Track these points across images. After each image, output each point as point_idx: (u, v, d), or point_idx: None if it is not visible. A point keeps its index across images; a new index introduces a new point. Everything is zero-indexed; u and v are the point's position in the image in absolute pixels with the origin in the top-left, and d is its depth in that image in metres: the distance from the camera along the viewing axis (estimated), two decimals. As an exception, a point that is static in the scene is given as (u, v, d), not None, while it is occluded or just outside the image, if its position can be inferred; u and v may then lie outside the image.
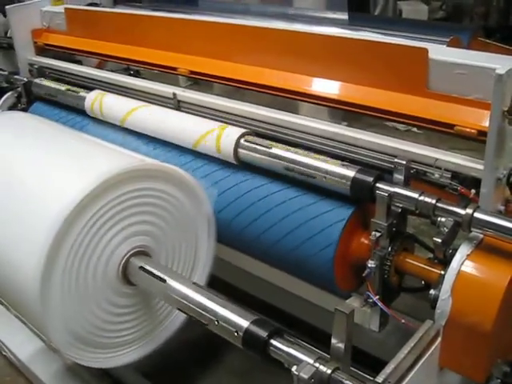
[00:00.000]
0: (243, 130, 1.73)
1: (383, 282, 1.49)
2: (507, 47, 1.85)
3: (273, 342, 1.21)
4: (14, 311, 1.64)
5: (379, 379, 1.23)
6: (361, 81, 1.61)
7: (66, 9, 2.56)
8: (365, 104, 1.59)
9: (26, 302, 1.44)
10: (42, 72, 2.65)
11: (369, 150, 1.56)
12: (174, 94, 2.02)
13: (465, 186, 1.43)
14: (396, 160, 1.47)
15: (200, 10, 2.75)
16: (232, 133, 1.72)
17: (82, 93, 2.25)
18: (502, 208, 1.43)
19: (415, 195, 1.38)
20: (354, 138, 1.59)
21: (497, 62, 1.41)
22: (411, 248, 1.55)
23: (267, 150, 1.64)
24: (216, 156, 1.76)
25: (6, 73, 2.74)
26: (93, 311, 1.50)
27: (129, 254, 1.51)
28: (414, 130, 3.23)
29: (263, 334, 1.21)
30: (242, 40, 1.92)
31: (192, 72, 2.02)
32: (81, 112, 2.28)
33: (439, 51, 1.53)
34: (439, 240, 1.36)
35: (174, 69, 2.07)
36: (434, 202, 1.36)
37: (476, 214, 1.30)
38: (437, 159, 1.44)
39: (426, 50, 1.50)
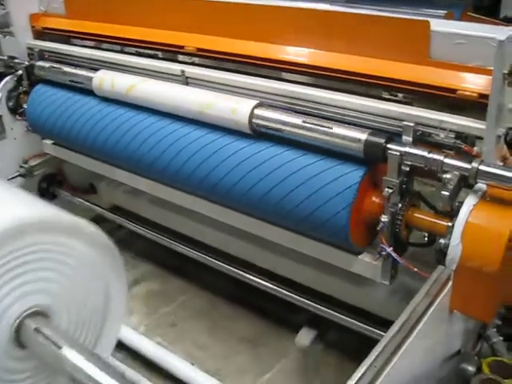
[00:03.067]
0: (256, 102, 1.83)
1: (394, 235, 1.63)
2: (495, 20, 2.00)
3: None
4: None
5: (395, 327, 1.34)
6: (368, 53, 1.74)
7: (65, -8, 2.62)
8: (373, 74, 1.71)
9: None
10: (42, 55, 2.70)
11: (378, 115, 1.68)
12: (182, 71, 2.11)
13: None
14: (404, 123, 1.60)
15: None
16: (246, 104, 1.83)
17: (90, 73, 2.32)
18: (500, 164, 1.57)
19: (424, 153, 1.52)
20: (363, 105, 1.71)
21: (492, 31, 1.55)
22: (418, 204, 1.68)
23: (281, 118, 1.76)
24: (231, 127, 1.87)
25: (5, 57, 2.79)
26: None
27: (23, 315, 1.36)
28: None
29: None
30: (247, 18, 2.03)
31: (199, 49, 2.11)
32: (86, 91, 2.36)
33: (439, 23, 1.67)
34: (447, 193, 1.50)
35: (181, 47, 2.16)
36: (442, 158, 1.49)
37: (481, 167, 1.44)
38: (442, 121, 1.57)
39: (427, 23, 1.63)
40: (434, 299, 1.44)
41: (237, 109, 1.84)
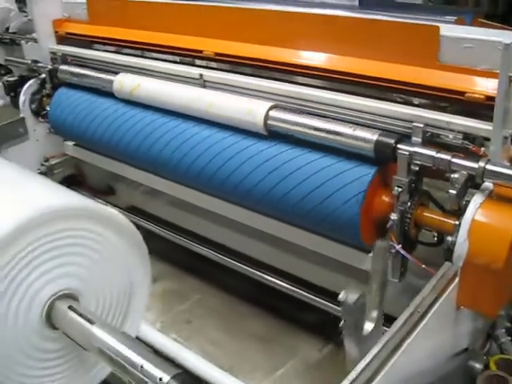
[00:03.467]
0: (271, 103, 1.90)
1: (404, 233, 1.68)
2: (506, 27, 2.04)
3: None
4: None
5: (402, 318, 1.38)
6: (379, 57, 1.80)
7: (88, -1, 2.72)
8: (383, 77, 1.77)
9: None
10: (65, 59, 2.80)
11: (388, 117, 1.74)
12: (201, 75, 2.19)
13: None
14: (414, 124, 1.66)
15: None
16: (262, 106, 1.90)
17: (111, 76, 2.41)
18: (508, 164, 1.61)
19: (433, 153, 1.57)
20: (374, 107, 1.77)
21: (500, 36, 1.60)
22: (427, 204, 1.73)
23: (295, 119, 1.82)
24: (247, 128, 1.94)
25: (28, 61, 2.89)
26: (13, 356, 1.42)
27: (54, 297, 1.45)
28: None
29: None
30: (263, 23, 2.10)
31: (217, 54, 2.18)
32: (108, 94, 2.45)
33: (449, 28, 1.72)
34: (454, 192, 1.55)
35: (200, 51, 2.24)
36: (449, 158, 1.55)
37: (488, 166, 1.49)
38: (450, 122, 1.62)
39: (437, 28, 1.69)
40: (440, 294, 1.48)
41: (253, 110, 1.90)
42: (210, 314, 2.61)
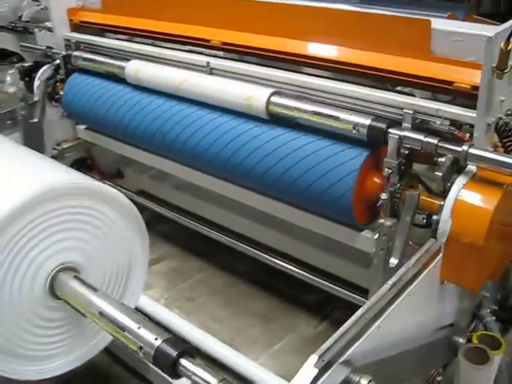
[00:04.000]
0: (273, 90, 2.02)
1: (394, 213, 1.80)
2: (496, 22, 2.15)
3: (182, 361, 1.28)
4: None
5: (387, 286, 1.49)
6: (377, 49, 1.91)
7: (102, -13, 2.84)
8: (381, 67, 1.89)
9: None
10: (78, 46, 2.92)
11: (381, 104, 1.85)
12: (208, 63, 2.31)
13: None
14: (404, 111, 1.78)
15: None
16: (263, 92, 2.02)
17: (123, 63, 2.54)
18: (488, 149, 1.73)
19: (421, 137, 1.69)
20: (368, 95, 1.89)
21: (485, 30, 1.71)
22: (416, 186, 1.85)
23: (294, 105, 1.94)
24: (249, 113, 2.06)
25: (43, 47, 3.02)
26: (18, 323, 1.52)
27: (57, 269, 1.56)
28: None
29: (173, 352, 1.29)
30: (267, 15, 2.22)
31: (224, 43, 2.30)
32: (119, 80, 2.57)
33: (440, 22, 1.84)
34: (440, 173, 1.67)
35: (208, 41, 2.36)
36: (436, 141, 1.67)
37: (471, 150, 1.61)
38: (438, 109, 1.74)
39: (429, 21, 1.80)
40: (424, 267, 1.58)
41: (255, 96, 2.02)
42: (212, 293, 2.74)
